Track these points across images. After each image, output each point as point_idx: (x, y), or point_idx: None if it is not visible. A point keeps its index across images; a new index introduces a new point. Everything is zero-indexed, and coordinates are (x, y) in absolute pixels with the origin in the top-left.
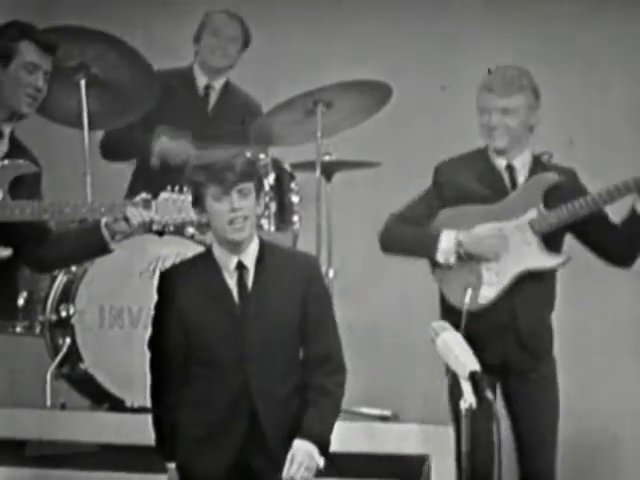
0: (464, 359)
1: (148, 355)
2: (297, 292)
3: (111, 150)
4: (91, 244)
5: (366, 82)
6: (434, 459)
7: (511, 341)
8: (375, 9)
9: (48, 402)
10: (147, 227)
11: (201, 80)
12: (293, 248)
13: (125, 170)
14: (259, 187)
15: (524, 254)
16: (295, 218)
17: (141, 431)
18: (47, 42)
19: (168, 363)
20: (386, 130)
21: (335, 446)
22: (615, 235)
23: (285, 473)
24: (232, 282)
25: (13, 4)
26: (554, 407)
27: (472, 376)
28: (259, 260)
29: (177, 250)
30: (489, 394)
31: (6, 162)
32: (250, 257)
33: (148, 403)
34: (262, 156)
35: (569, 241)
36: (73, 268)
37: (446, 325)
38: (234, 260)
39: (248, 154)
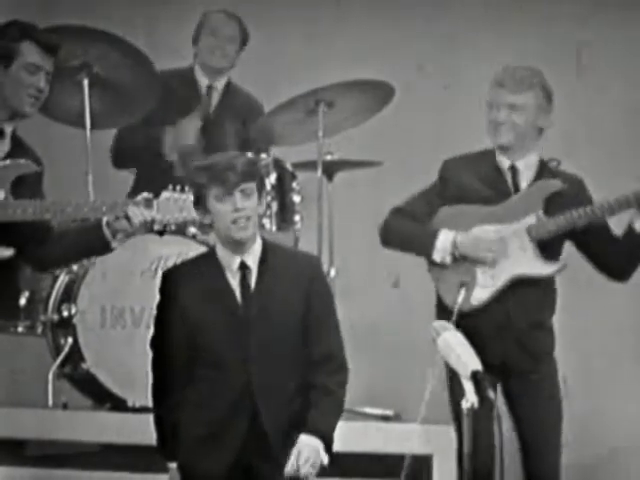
0: (466, 359)
1: (150, 355)
2: (300, 292)
3: (122, 158)
4: (92, 243)
5: (368, 82)
6: (436, 459)
7: (509, 342)
8: (374, 9)
9: (50, 402)
10: (149, 226)
11: (202, 81)
12: (296, 248)
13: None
14: (261, 187)
15: (519, 259)
16: (297, 218)
17: (143, 431)
18: (49, 42)
19: (170, 363)
20: (388, 130)
21: (337, 446)
22: (615, 247)
23: (289, 467)
24: (235, 282)
25: (14, 4)
26: (556, 408)
27: (474, 376)
28: (262, 260)
29: (179, 250)
30: (491, 394)
31: (8, 162)
32: (253, 257)
33: (150, 403)
34: (263, 156)
35: (569, 247)
36: (75, 268)
37: (447, 325)
38: (237, 260)
39: (249, 154)
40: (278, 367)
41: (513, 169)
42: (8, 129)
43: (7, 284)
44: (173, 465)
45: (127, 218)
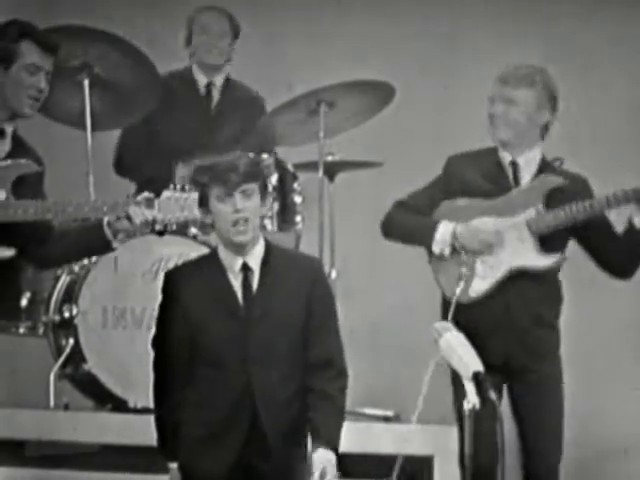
0: (467, 360)
1: (151, 355)
2: (301, 295)
3: (124, 169)
4: (93, 242)
5: (369, 82)
6: (437, 459)
7: (511, 339)
8: (375, 7)
9: (51, 403)
10: (150, 226)
11: (201, 79)
12: (298, 250)
13: None
14: (264, 188)
15: (518, 252)
16: (298, 218)
17: (144, 432)
18: (48, 42)
19: (171, 363)
20: (389, 130)
21: None
22: (616, 245)
23: None
24: (237, 283)
25: (14, 4)
26: (558, 408)
27: (475, 377)
28: (264, 262)
29: (180, 251)
30: (492, 395)
31: (9, 162)
32: (255, 259)
33: (151, 404)
34: (265, 156)
35: (571, 246)
36: (76, 269)
37: (449, 326)
38: (239, 262)
39: (251, 155)
40: (278, 369)
41: (514, 165)
42: (9, 129)
43: (8, 285)
44: (174, 465)
45: (128, 218)
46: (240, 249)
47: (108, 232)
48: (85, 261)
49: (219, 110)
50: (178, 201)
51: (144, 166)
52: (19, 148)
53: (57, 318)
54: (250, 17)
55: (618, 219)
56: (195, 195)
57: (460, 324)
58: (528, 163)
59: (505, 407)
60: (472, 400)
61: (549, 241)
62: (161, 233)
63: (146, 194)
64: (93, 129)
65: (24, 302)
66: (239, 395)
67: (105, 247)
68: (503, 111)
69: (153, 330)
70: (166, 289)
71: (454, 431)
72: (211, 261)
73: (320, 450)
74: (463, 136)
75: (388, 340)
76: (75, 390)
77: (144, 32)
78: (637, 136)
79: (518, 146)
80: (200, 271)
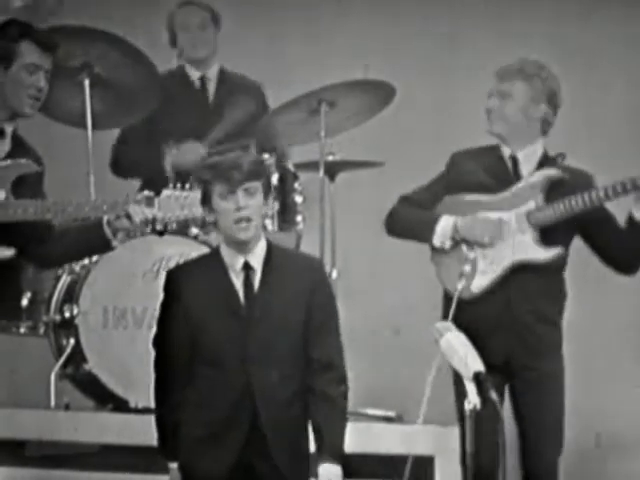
0: (468, 360)
1: (152, 355)
2: (302, 296)
3: (122, 170)
4: (93, 242)
5: (369, 82)
6: (438, 460)
7: (512, 336)
8: (374, 7)
9: (52, 403)
10: (150, 224)
11: (194, 74)
12: (299, 251)
13: None
14: (267, 187)
15: (519, 245)
16: (298, 218)
17: (144, 432)
18: (47, 41)
19: (172, 362)
20: (390, 130)
21: None
22: (620, 240)
23: None
24: (238, 282)
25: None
26: (559, 407)
27: (476, 377)
28: (266, 261)
29: (181, 250)
30: (493, 395)
31: (8, 162)
32: (257, 258)
33: (152, 404)
34: (266, 156)
35: (574, 243)
36: (77, 269)
37: (450, 326)
38: (241, 260)
39: (253, 151)
40: (278, 369)
41: (513, 159)
42: (8, 129)
43: (9, 285)
44: (174, 465)
45: (128, 216)
46: (242, 247)
47: (108, 231)
48: (86, 261)
49: (216, 103)
50: (178, 199)
51: (143, 167)
52: (19, 148)
53: (58, 318)
54: (250, 17)
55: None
56: (195, 194)
57: (462, 321)
58: (528, 158)
59: (506, 406)
60: (473, 400)
61: (551, 235)
62: (161, 233)
63: (146, 192)
64: (94, 129)
65: (25, 302)
66: (239, 395)
67: (105, 246)
68: (498, 105)
69: (154, 330)
70: (168, 288)
71: (455, 431)
72: (213, 260)
73: (326, 465)
74: (463, 136)
75: (389, 340)
76: (76, 390)
77: (144, 32)
78: (637, 136)
79: (516, 140)
80: (202, 270)
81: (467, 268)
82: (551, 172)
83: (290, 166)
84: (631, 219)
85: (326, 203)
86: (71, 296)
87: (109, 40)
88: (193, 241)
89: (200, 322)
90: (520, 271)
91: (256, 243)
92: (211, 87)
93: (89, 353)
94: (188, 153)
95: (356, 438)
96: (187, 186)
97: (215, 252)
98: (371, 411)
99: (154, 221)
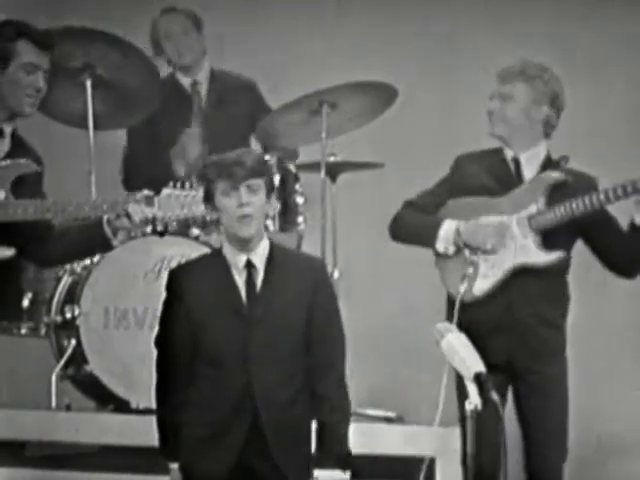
0: (469, 361)
1: (154, 355)
2: (304, 296)
3: (135, 187)
4: (93, 241)
5: (371, 83)
6: (439, 461)
7: (513, 339)
8: (374, 6)
9: (53, 403)
10: (150, 223)
11: (185, 81)
12: (302, 251)
13: None
14: (270, 186)
15: (520, 249)
16: (300, 219)
17: (145, 432)
18: (44, 40)
19: (174, 362)
20: (391, 131)
21: None
22: (621, 243)
23: None
24: (241, 281)
25: (14, 4)
26: (563, 410)
27: (477, 377)
28: (269, 261)
29: (182, 251)
30: (494, 395)
31: (8, 162)
32: (260, 256)
33: (153, 404)
34: (267, 157)
35: (576, 247)
36: (78, 269)
37: (451, 327)
38: (243, 258)
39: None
40: (279, 369)
41: (516, 161)
42: (7, 129)
43: (10, 285)
44: (174, 466)
45: (127, 216)
46: (244, 245)
47: (108, 230)
48: (87, 262)
49: (209, 104)
50: (178, 198)
51: (155, 180)
52: (19, 148)
53: (59, 319)
54: (250, 17)
55: (622, 218)
56: (195, 193)
57: (463, 323)
58: (530, 160)
59: (509, 408)
60: (474, 401)
61: (552, 238)
62: (162, 234)
63: (146, 192)
64: (95, 130)
65: (26, 303)
66: (240, 396)
67: (105, 245)
68: (500, 107)
69: (156, 330)
70: (170, 287)
71: (456, 432)
72: (215, 259)
73: (326, 471)
74: (465, 137)
75: (390, 341)
76: (77, 391)
77: (144, 33)
78: (638, 137)
79: (519, 143)
80: (204, 269)
81: (469, 271)
82: (553, 175)
83: (291, 167)
84: (633, 224)
85: (327, 204)
86: (72, 297)
87: (110, 41)
88: (194, 242)
89: (202, 321)
90: (521, 274)
91: (258, 242)
92: (202, 91)
93: (90, 354)
94: (188, 146)
95: (356, 438)
96: (187, 185)
97: (218, 251)
98: (371, 412)
99: (154, 220)
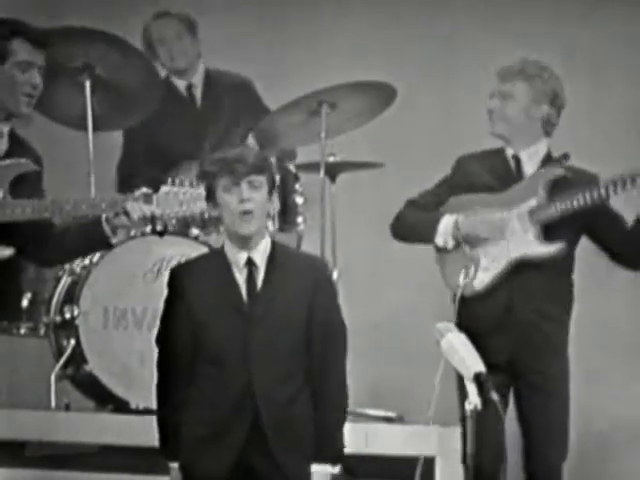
0: (469, 360)
1: (153, 355)
2: (305, 294)
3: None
4: (92, 239)
5: (370, 83)
6: (439, 460)
7: (515, 335)
8: (374, 7)
9: (53, 403)
10: (149, 222)
11: (180, 84)
12: (302, 250)
13: None
14: (271, 183)
15: (521, 242)
16: (299, 219)
17: (144, 432)
18: (39, 38)
19: (175, 360)
20: (390, 131)
21: None
22: (625, 236)
23: None
24: (241, 279)
25: (13, 4)
26: (564, 410)
27: (477, 377)
28: (270, 259)
29: (181, 251)
30: (494, 395)
31: (7, 161)
32: (261, 254)
33: (153, 404)
34: None
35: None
36: (77, 269)
37: (451, 326)
38: (244, 256)
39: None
40: (280, 368)
41: (516, 159)
42: (5, 129)
43: (9, 285)
44: (175, 465)
45: (126, 213)
46: (245, 242)
47: (107, 228)
48: (86, 261)
49: (205, 105)
50: (177, 196)
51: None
52: (17, 147)
53: (58, 319)
54: (250, 17)
55: (628, 212)
56: (194, 190)
57: (465, 319)
58: (531, 157)
59: (509, 407)
60: (474, 401)
61: (553, 233)
62: (161, 234)
63: (144, 189)
64: (94, 130)
65: (25, 303)
66: (240, 394)
67: (104, 244)
68: (500, 106)
69: (156, 328)
70: (171, 285)
71: (457, 431)
72: (217, 257)
73: (319, 465)
74: (464, 136)
75: (390, 340)
76: (76, 391)
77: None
78: (638, 136)
79: (519, 141)
80: (205, 267)
81: (469, 264)
82: (552, 170)
83: (291, 167)
84: (638, 219)
85: (327, 204)
86: (71, 297)
87: (109, 41)
88: (193, 242)
89: (202, 319)
90: (522, 268)
91: (259, 240)
92: (197, 93)
93: (89, 354)
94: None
95: (356, 438)
96: (186, 182)
97: (219, 250)
98: (371, 411)
99: (153, 218)
